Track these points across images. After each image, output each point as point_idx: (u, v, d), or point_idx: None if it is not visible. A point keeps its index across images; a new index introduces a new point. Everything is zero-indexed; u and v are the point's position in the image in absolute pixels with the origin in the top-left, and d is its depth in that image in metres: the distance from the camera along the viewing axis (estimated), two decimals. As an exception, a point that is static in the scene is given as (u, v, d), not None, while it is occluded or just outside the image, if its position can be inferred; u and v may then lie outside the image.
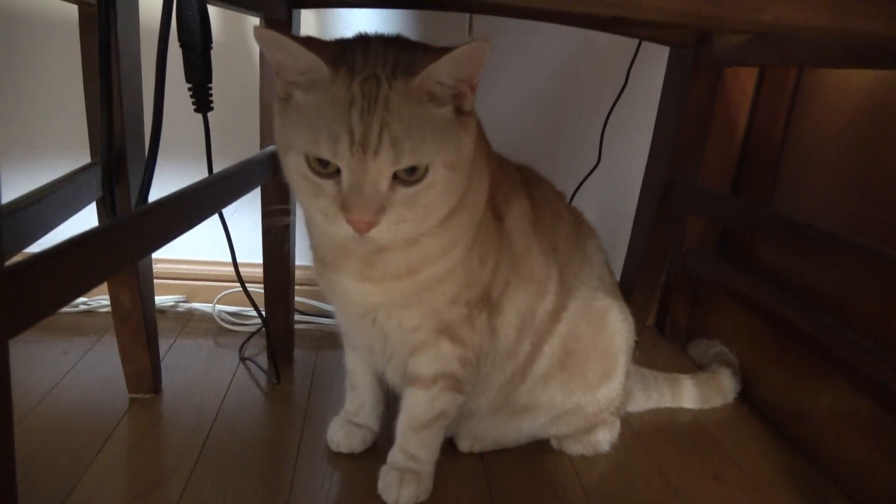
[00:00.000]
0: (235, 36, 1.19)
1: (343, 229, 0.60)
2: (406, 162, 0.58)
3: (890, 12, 0.34)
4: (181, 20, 0.72)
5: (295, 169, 0.61)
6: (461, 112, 0.62)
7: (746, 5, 0.34)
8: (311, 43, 0.60)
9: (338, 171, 0.60)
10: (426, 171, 0.60)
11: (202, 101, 0.76)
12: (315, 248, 0.77)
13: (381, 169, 0.58)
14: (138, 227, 0.59)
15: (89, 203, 0.80)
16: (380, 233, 0.60)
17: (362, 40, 0.64)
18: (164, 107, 0.72)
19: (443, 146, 0.60)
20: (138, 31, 0.81)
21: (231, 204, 0.86)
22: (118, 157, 0.79)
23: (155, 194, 0.78)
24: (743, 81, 1.21)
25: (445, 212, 0.65)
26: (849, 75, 0.98)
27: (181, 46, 0.74)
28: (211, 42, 0.75)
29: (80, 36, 0.79)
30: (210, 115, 0.81)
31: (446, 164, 0.61)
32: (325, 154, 0.58)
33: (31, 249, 0.43)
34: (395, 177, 0.59)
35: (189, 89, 0.76)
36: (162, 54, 0.70)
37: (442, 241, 0.69)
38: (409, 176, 0.59)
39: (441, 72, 0.58)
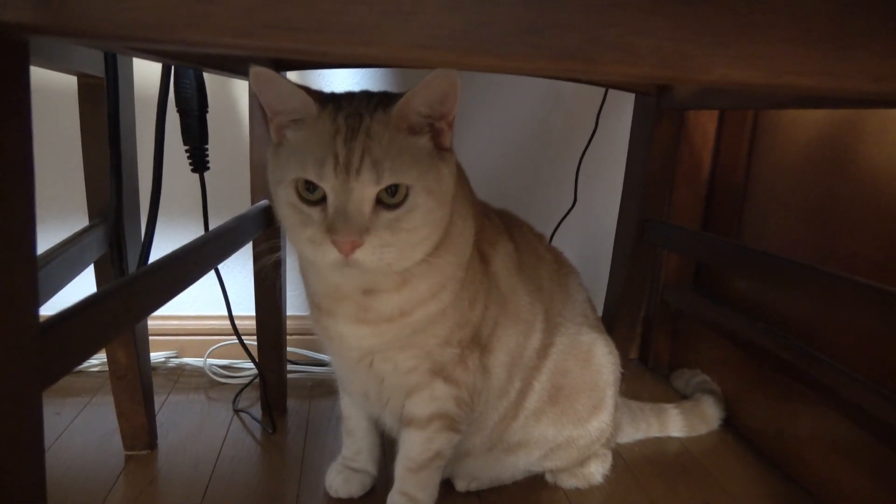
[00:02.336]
0: (226, 99, 1.24)
1: (330, 255, 0.63)
2: (387, 180, 0.62)
3: (820, 70, 0.39)
4: (178, 88, 0.77)
5: (285, 201, 0.66)
6: (441, 147, 0.67)
7: (694, 69, 0.39)
8: (306, 88, 0.66)
9: (324, 199, 0.64)
10: (407, 194, 0.63)
11: (199, 162, 0.80)
12: (311, 294, 0.80)
13: (364, 189, 0.62)
14: (152, 283, 0.62)
15: (90, 264, 0.83)
16: (364, 255, 0.62)
17: (349, 93, 0.70)
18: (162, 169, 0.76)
19: (422, 172, 0.64)
20: (133, 99, 0.86)
21: (227, 259, 0.89)
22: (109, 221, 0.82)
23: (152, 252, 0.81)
24: (704, 123, 1.28)
25: (429, 246, 0.68)
26: (802, 113, 1.06)
27: (178, 112, 0.78)
28: (207, 107, 0.79)
29: (80, 105, 0.82)
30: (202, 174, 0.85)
31: (426, 190, 0.64)
32: (312, 176, 0.63)
33: (42, 311, 0.45)
34: (378, 202, 0.63)
35: (186, 151, 0.80)
36: (161, 120, 0.74)
37: (430, 282, 0.73)
38: (392, 199, 0.63)
39: (416, 100, 0.63)
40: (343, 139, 0.62)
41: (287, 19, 0.32)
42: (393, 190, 0.63)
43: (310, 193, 0.64)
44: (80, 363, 0.47)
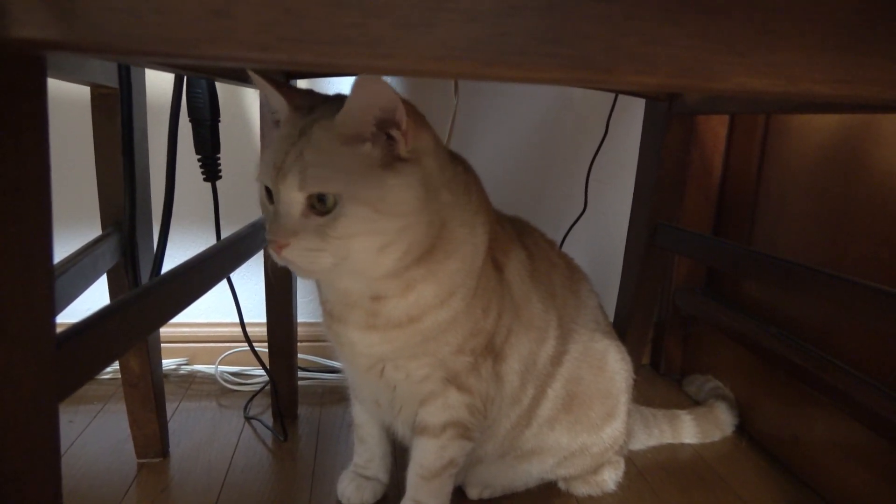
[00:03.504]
0: (237, 109, 1.25)
1: (272, 252, 0.65)
2: (310, 188, 0.62)
3: (837, 78, 0.39)
4: (191, 98, 0.77)
5: (259, 198, 0.69)
6: (398, 157, 0.65)
7: (711, 77, 0.39)
8: (287, 87, 0.68)
9: None
10: (336, 202, 0.63)
11: (211, 171, 0.80)
12: (323, 302, 0.80)
13: (290, 193, 0.63)
14: (167, 293, 0.62)
15: (103, 274, 0.83)
16: (292, 255, 0.63)
17: (327, 97, 0.71)
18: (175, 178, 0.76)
19: (356, 182, 0.63)
20: (145, 108, 0.86)
21: (239, 267, 0.89)
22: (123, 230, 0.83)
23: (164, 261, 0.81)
24: (715, 128, 1.28)
25: (397, 254, 0.67)
26: (815, 117, 1.05)
27: (191, 121, 0.78)
28: (219, 116, 0.79)
29: (93, 116, 0.83)
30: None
31: (361, 200, 0.63)
32: (264, 179, 0.66)
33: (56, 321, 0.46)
34: (313, 207, 0.63)
35: (199, 160, 0.80)
36: (173, 130, 0.74)
37: (437, 288, 0.72)
38: (321, 206, 0.63)
39: (353, 109, 0.62)
40: (290, 143, 0.64)
41: (308, 33, 0.32)
42: (323, 197, 0.63)
43: (268, 192, 0.67)
44: (96, 374, 0.47)
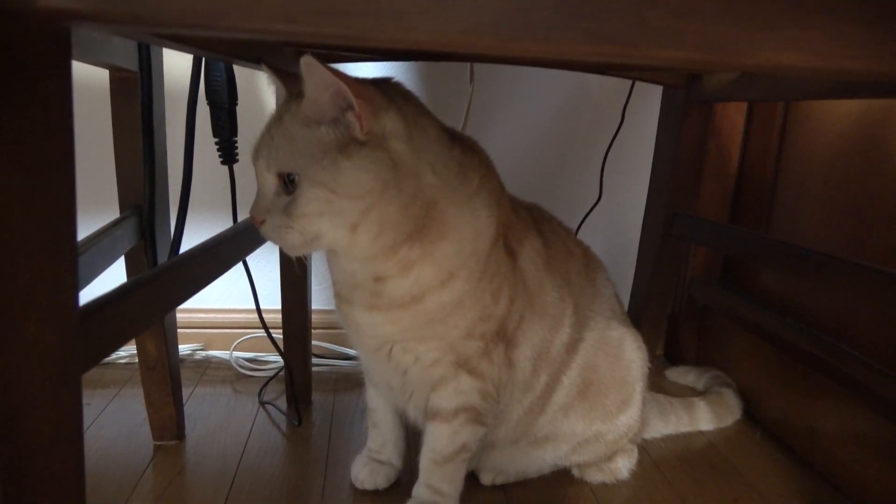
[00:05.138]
0: (254, 93, 1.25)
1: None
2: (274, 167, 0.66)
3: (870, 53, 0.38)
4: (209, 81, 0.77)
5: None
6: (354, 140, 0.65)
7: (739, 52, 0.38)
8: (286, 75, 0.71)
9: None
10: (298, 183, 0.66)
11: (228, 154, 0.80)
12: (333, 284, 0.81)
13: (263, 172, 0.68)
14: (186, 272, 0.62)
15: (121, 256, 0.84)
16: (267, 231, 0.68)
17: None
18: (193, 161, 0.76)
19: (312, 164, 0.65)
20: (163, 92, 0.87)
21: (254, 251, 0.90)
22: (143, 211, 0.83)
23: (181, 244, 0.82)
24: (732, 116, 1.27)
25: (371, 233, 0.68)
26: (835, 104, 1.04)
27: (209, 104, 0.79)
28: (237, 99, 0.79)
29: (112, 99, 0.83)
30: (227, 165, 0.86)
31: (316, 182, 0.65)
32: (251, 156, 0.70)
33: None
34: (286, 186, 0.66)
35: (216, 143, 0.81)
36: (191, 113, 0.75)
37: (435, 268, 0.73)
38: (288, 185, 0.66)
39: (308, 92, 0.64)
40: (269, 126, 0.69)
41: (333, 5, 0.32)
42: (291, 177, 0.66)
43: None
44: (118, 347, 0.47)
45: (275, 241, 0.69)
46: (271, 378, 1.25)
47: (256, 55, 0.71)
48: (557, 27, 0.36)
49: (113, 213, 0.88)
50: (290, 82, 0.71)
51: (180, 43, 0.57)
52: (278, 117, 0.68)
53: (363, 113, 0.64)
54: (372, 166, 0.66)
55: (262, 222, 0.68)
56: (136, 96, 0.81)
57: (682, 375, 1.32)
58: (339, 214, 0.67)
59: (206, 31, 0.32)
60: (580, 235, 1.31)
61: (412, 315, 0.74)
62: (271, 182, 0.67)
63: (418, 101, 0.73)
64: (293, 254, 0.70)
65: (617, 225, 1.41)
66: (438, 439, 0.82)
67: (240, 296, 1.33)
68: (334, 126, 0.65)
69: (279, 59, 0.94)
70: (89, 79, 1.09)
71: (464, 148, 0.76)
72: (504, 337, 0.81)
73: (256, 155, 0.69)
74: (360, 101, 0.63)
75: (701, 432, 1.13)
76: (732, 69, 0.75)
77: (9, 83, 0.36)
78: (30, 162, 0.38)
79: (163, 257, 0.86)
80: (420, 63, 1.27)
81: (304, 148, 0.65)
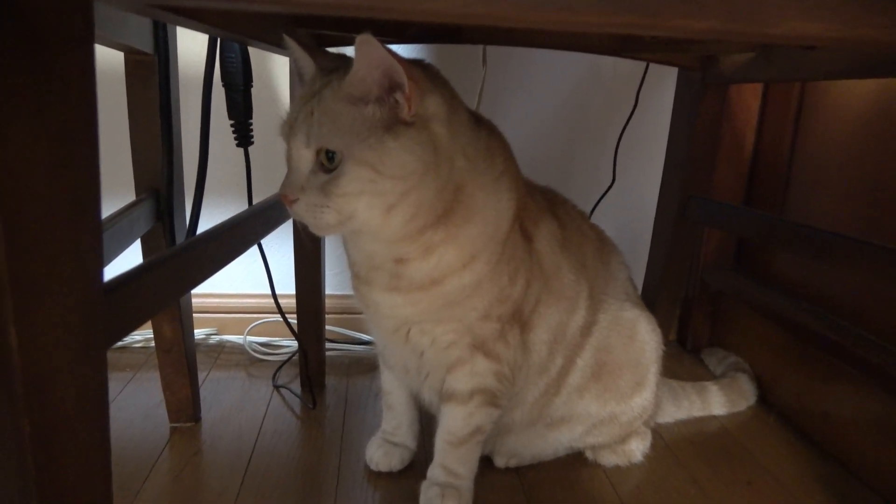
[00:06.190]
0: (268, 75, 1.25)
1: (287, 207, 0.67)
2: (315, 144, 0.64)
3: (894, 23, 0.38)
4: (224, 62, 0.77)
5: (285, 154, 0.70)
6: (400, 121, 0.65)
7: (765, 21, 0.38)
8: (314, 49, 0.70)
9: None
10: (340, 162, 0.64)
11: (243, 136, 0.80)
12: (351, 264, 0.81)
13: (299, 150, 0.65)
14: (206, 252, 0.63)
15: (137, 238, 0.84)
16: (300, 210, 0.66)
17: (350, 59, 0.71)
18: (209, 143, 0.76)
19: (358, 143, 0.64)
20: (178, 74, 0.87)
21: (269, 234, 0.90)
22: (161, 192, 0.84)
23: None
24: (748, 99, 1.25)
25: (405, 215, 0.67)
26: (852, 86, 1.03)
27: (224, 86, 0.79)
28: (252, 81, 0.79)
29: (127, 81, 0.84)
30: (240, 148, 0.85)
31: (361, 161, 0.64)
32: (281, 134, 0.68)
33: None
34: (321, 165, 0.65)
35: (231, 125, 0.81)
36: (207, 94, 0.75)
37: (458, 251, 0.73)
38: (328, 163, 0.64)
39: (358, 70, 0.63)
40: (305, 101, 0.66)
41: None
42: (331, 155, 0.64)
43: None
44: (141, 324, 0.48)
45: (306, 221, 0.67)
46: (285, 362, 1.26)
47: (271, 36, 0.71)
48: (579, -4, 0.36)
49: (126, 198, 0.88)
50: (319, 57, 0.70)
51: (197, 21, 0.57)
52: (315, 92, 0.66)
53: (412, 94, 0.64)
54: (417, 148, 0.66)
55: (294, 201, 0.66)
56: (151, 79, 0.81)
57: (707, 356, 1.33)
58: (380, 195, 0.66)
59: (234, 3, 0.32)
60: (593, 219, 1.30)
61: (431, 297, 0.74)
62: (308, 159, 0.65)
63: (451, 85, 0.73)
64: (324, 233, 0.69)
65: (630, 209, 1.40)
66: (454, 421, 0.82)
67: (254, 281, 1.33)
68: (379, 105, 0.64)
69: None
70: (100, 63, 1.10)
71: (489, 131, 0.77)
72: (520, 319, 0.81)
73: (292, 131, 0.66)
74: (411, 82, 0.63)
75: (714, 417, 1.13)
76: (756, 39, 0.74)
77: (31, 56, 0.36)
78: (51, 134, 0.38)
79: (180, 239, 0.87)
80: (432, 46, 1.26)
81: (349, 126, 0.64)
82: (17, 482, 0.38)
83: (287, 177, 0.67)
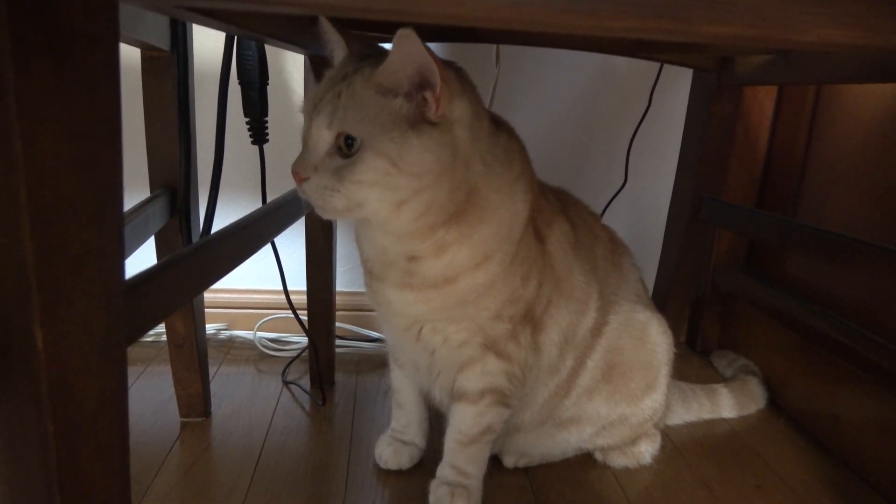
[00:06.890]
0: (283, 73, 1.25)
1: (296, 185, 0.68)
2: (337, 127, 0.64)
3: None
4: (240, 60, 0.77)
5: (301, 131, 0.70)
6: (427, 120, 0.65)
7: (792, 28, 0.38)
8: (347, 32, 0.71)
9: None
10: (360, 149, 0.64)
11: (259, 134, 0.80)
12: (364, 261, 0.81)
13: (319, 130, 0.65)
14: (222, 250, 0.63)
15: (152, 234, 0.84)
16: (308, 189, 0.66)
17: (381, 48, 0.71)
18: (224, 140, 0.77)
19: (380, 134, 0.64)
20: (193, 72, 0.87)
21: (283, 232, 0.90)
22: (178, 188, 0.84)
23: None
24: (762, 100, 1.25)
25: (415, 210, 0.68)
26: (868, 89, 1.02)
27: (240, 84, 0.79)
28: (268, 79, 0.80)
29: (143, 78, 0.84)
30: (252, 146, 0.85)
31: (380, 153, 0.64)
32: (303, 111, 0.68)
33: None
34: (339, 149, 0.65)
35: (247, 123, 0.81)
36: (223, 91, 0.75)
37: (471, 251, 0.73)
38: (347, 149, 0.64)
39: (392, 63, 0.63)
40: (333, 83, 0.66)
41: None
42: (350, 141, 0.64)
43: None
44: (160, 321, 0.48)
45: (313, 201, 0.67)
46: (294, 358, 1.26)
47: (291, 35, 0.71)
48: (606, 1, 0.36)
49: (140, 193, 0.88)
50: (351, 41, 0.70)
51: (219, 20, 0.57)
52: (345, 76, 0.66)
53: (443, 95, 0.64)
54: (437, 148, 0.66)
55: (305, 179, 0.66)
56: (167, 76, 0.81)
57: (717, 359, 1.33)
58: (393, 189, 0.66)
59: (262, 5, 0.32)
60: (605, 220, 1.30)
61: (444, 296, 0.75)
62: (327, 140, 0.65)
63: (477, 91, 0.73)
64: (329, 217, 0.69)
65: (642, 210, 1.40)
66: (464, 420, 0.82)
67: (264, 276, 1.34)
68: (408, 100, 0.64)
69: (309, 39, 0.94)
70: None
71: (508, 134, 0.77)
72: (531, 320, 0.81)
73: (316, 110, 0.66)
74: (443, 83, 0.63)
75: (724, 419, 1.13)
76: (784, 45, 0.74)
77: (60, 57, 0.36)
78: (77, 134, 0.38)
79: (195, 236, 0.87)
80: (448, 47, 1.26)
81: (374, 115, 0.64)
82: (41, 481, 0.38)
83: (302, 154, 0.67)
